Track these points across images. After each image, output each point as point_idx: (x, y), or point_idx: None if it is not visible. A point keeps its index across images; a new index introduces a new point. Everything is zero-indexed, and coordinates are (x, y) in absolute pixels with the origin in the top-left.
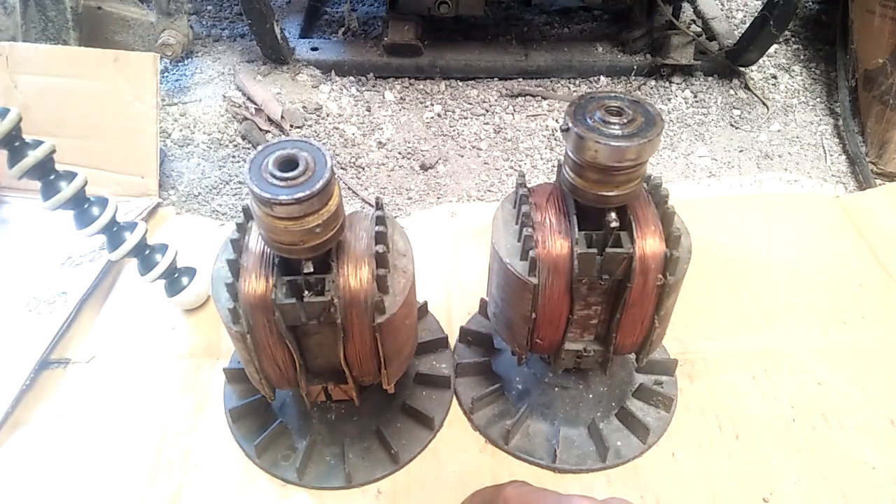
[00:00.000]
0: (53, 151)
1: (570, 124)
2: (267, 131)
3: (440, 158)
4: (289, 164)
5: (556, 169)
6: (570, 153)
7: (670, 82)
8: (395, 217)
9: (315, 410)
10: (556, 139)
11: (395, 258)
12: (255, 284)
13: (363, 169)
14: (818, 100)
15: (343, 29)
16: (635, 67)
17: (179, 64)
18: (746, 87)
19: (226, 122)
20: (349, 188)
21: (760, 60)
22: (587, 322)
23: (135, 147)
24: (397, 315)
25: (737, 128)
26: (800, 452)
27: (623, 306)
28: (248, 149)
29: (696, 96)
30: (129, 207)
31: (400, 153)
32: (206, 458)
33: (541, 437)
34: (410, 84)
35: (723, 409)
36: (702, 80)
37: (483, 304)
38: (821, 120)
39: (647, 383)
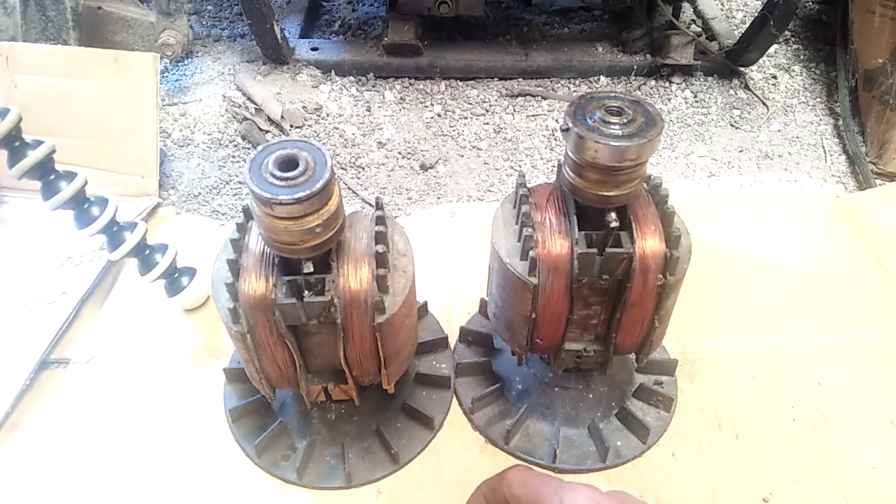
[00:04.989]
0: (53, 151)
1: (570, 124)
2: (267, 131)
3: (440, 158)
4: (289, 164)
5: (556, 169)
6: (570, 153)
7: (670, 82)
8: (395, 217)
9: (315, 410)
10: (556, 139)
11: (395, 258)
12: (255, 284)
13: (363, 169)
14: (818, 100)
15: (339, 24)
16: (635, 67)
17: (179, 64)
18: (746, 87)
19: (226, 122)
20: (349, 188)
21: (760, 60)
22: (587, 322)
23: (135, 147)
24: (397, 315)
25: (737, 128)
26: (800, 452)
27: (623, 306)
28: (248, 149)
29: (696, 96)
30: (129, 207)
31: (400, 153)
32: (206, 458)
33: (541, 437)
34: (410, 84)
35: (723, 409)
36: (702, 80)
37: (483, 304)
38: (821, 120)
39: (647, 383)
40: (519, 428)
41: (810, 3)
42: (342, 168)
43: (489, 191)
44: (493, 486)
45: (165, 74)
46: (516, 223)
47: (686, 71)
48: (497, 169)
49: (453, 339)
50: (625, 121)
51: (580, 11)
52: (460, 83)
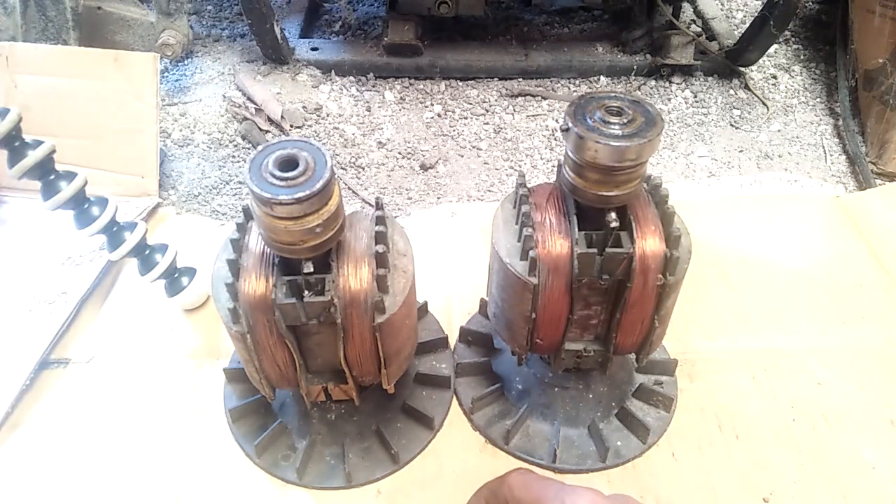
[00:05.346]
0: (53, 151)
1: (570, 124)
2: (267, 131)
3: (440, 158)
4: (289, 164)
5: (556, 169)
6: (570, 153)
7: (670, 82)
8: (395, 217)
9: (315, 410)
10: (556, 139)
11: (395, 258)
12: (255, 284)
13: (363, 169)
14: (818, 100)
15: (340, 25)
16: (635, 67)
17: (179, 64)
18: (746, 87)
19: (226, 122)
20: (349, 188)
21: (760, 60)
22: (587, 322)
23: (135, 147)
24: (397, 315)
25: (737, 128)
26: (800, 452)
27: (623, 306)
28: (248, 149)
29: (696, 96)
30: (129, 207)
31: (400, 153)
32: (206, 458)
33: (541, 437)
34: (410, 84)
35: (723, 409)
36: (702, 80)
37: (483, 304)
38: (821, 120)
39: (647, 383)
40: (519, 428)
41: (810, 3)
42: (342, 168)
43: (489, 191)
44: (493, 489)
45: (165, 74)
46: (516, 223)
47: (686, 71)
48: (497, 169)
49: (453, 339)
50: (625, 121)
51: (580, 11)
52: (460, 83)
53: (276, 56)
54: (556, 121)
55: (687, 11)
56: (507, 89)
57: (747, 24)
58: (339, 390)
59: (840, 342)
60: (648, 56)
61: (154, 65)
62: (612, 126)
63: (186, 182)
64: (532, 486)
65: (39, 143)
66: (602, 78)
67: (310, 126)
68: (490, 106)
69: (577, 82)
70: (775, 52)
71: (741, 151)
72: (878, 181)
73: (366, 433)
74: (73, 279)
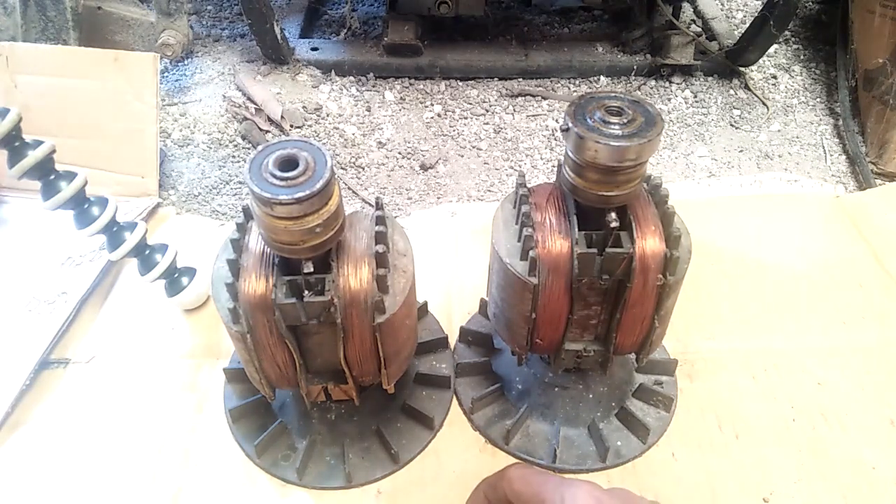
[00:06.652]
0: (53, 151)
1: (570, 124)
2: (267, 131)
3: (440, 158)
4: (289, 163)
5: (556, 169)
6: (570, 153)
7: (670, 82)
8: (395, 217)
9: (315, 410)
10: (556, 139)
11: (395, 258)
12: (255, 284)
13: (363, 169)
14: (818, 100)
15: (345, 31)
16: (635, 67)
17: (179, 64)
18: (746, 87)
19: (226, 122)
20: (349, 188)
21: (760, 60)
22: (587, 322)
23: (135, 147)
24: (397, 315)
25: (737, 128)
26: (800, 452)
27: (623, 306)
28: (248, 149)
29: (696, 96)
30: (129, 207)
31: (400, 153)
32: (206, 458)
33: (541, 437)
34: (410, 84)
35: (723, 409)
36: (702, 80)
37: (483, 304)
38: (821, 120)
39: (647, 383)
40: (519, 428)
41: (810, 3)
42: (342, 168)
43: (489, 191)
44: (493, 483)
45: (165, 74)
46: (516, 223)
47: (686, 71)
48: (497, 169)
49: (453, 339)
50: (625, 121)
51: (580, 11)
52: (460, 83)
53: (276, 56)
54: (556, 121)
55: (687, 11)
56: (507, 89)
57: (747, 24)
58: (339, 390)
59: (840, 342)
60: (648, 56)
61: (154, 65)
62: (612, 126)
63: (186, 182)
64: (531, 479)
65: (39, 143)
66: (602, 78)
67: (310, 126)
68: (490, 106)
69: (577, 82)
70: (775, 52)
71: (741, 151)
72: (878, 181)
73: (366, 433)
74: (73, 279)
